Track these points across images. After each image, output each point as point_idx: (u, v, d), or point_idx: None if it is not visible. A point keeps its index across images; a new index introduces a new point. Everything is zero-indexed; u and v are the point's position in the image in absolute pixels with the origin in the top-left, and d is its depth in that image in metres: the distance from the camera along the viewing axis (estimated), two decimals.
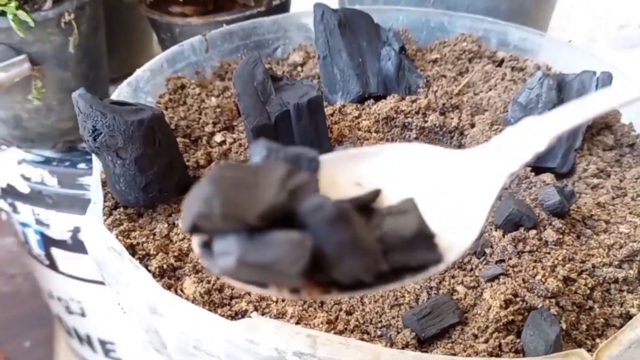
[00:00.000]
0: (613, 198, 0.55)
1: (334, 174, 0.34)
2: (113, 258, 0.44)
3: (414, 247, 0.30)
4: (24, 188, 0.79)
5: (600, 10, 1.70)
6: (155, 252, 0.48)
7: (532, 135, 0.35)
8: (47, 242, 0.87)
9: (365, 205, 0.33)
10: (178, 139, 0.60)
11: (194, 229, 0.27)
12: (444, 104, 0.63)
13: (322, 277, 0.28)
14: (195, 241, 0.29)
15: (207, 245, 0.28)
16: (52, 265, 0.90)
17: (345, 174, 0.35)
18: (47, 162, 0.79)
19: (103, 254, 0.45)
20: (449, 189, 0.35)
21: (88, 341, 1.00)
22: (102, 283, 0.87)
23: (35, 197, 0.79)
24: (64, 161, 0.79)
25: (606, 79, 0.59)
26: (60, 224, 0.81)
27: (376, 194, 0.33)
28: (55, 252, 0.87)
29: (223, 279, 0.35)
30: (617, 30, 1.73)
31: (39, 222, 0.82)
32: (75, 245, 0.84)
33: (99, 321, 0.95)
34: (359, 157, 0.36)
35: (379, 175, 0.35)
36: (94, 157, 0.52)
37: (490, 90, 0.66)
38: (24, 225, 0.88)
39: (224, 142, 0.62)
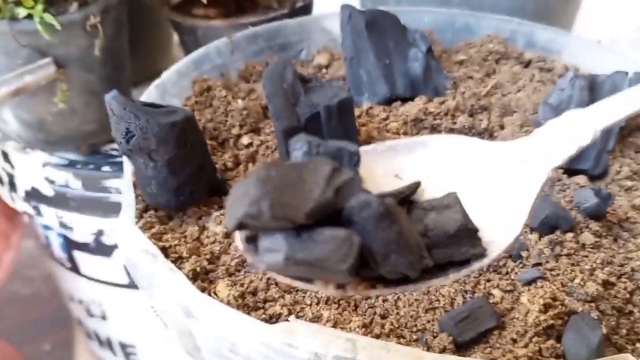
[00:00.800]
0: None
1: (372, 166, 0.35)
2: (147, 261, 0.44)
3: (458, 242, 0.31)
4: (48, 191, 0.79)
5: (621, 10, 1.69)
6: (188, 255, 0.47)
7: (575, 128, 0.34)
8: (70, 245, 0.87)
9: (406, 199, 0.33)
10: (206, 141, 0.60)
11: (240, 227, 0.27)
12: (472, 106, 0.62)
13: (368, 272, 0.28)
14: (239, 236, 0.29)
15: (251, 240, 0.28)
16: (74, 268, 0.90)
17: (384, 165, 0.36)
18: (71, 164, 0.78)
19: (137, 256, 0.45)
20: (491, 183, 0.34)
21: (108, 344, 1.00)
22: (123, 286, 0.87)
23: (59, 200, 0.79)
24: (88, 164, 0.79)
25: (638, 80, 0.58)
26: (83, 227, 0.81)
27: (416, 186, 0.34)
28: (78, 255, 0.87)
29: (269, 274, 0.35)
30: (636, 31, 1.72)
31: (62, 225, 0.82)
32: (98, 248, 0.84)
33: (120, 324, 0.95)
34: (397, 149, 0.36)
35: (418, 167, 0.36)
36: (125, 159, 0.52)
37: (519, 91, 0.66)
38: (46, 228, 0.88)
39: (250, 144, 0.61)
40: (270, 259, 0.27)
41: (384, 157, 0.35)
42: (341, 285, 0.29)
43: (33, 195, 0.81)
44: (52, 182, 0.79)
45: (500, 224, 0.33)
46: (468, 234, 0.31)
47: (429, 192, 0.34)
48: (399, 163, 0.35)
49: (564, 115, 0.35)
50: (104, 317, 0.96)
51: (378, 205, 0.27)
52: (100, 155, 0.81)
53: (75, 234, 0.83)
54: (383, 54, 0.65)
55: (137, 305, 0.90)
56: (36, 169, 0.79)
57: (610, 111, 0.35)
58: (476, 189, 0.34)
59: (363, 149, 0.34)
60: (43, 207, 0.81)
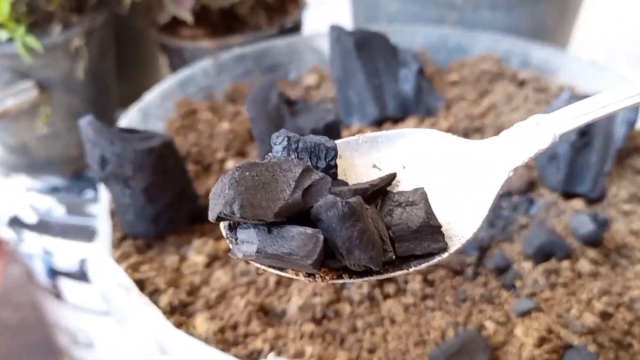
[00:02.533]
0: None
1: (353, 156, 0.37)
2: (121, 294, 0.42)
3: (420, 237, 0.33)
4: (31, 217, 0.77)
5: (619, 27, 1.68)
6: (165, 287, 0.45)
7: (538, 131, 0.35)
8: (54, 272, 0.84)
9: (380, 190, 0.35)
10: (189, 166, 0.58)
11: (219, 220, 0.31)
12: (465, 127, 0.61)
13: (335, 264, 0.31)
14: (222, 225, 0.32)
15: (231, 229, 0.32)
16: (59, 296, 0.88)
17: (364, 156, 0.37)
18: (54, 190, 0.76)
19: (110, 289, 0.42)
20: (458, 179, 0.36)
21: None
22: (109, 314, 0.85)
23: (43, 226, 0.77)
24: (71, 189, 0.77)
25: None
26: (67, 254, 0.79)
27: (391, 178, 0.36)
28: (62, 282, 0.85)
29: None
30: (634, 48, 1.71)
31: (45, 251, 0.79)
32: (83, 275, 0.82)
33: (107, 353, 0.93)
34: (378, 140, 0.38)
35: (396, 158, 0.37)
36: (101, 186, 0.50)
37: (513, 112, 0.64)
38: (30, 254, 0.85)
39: None
40: (245, 249, 0.30)
41: (365, 147, 0.37)
42: (310, 273, 0.31)
43: (16, 221, 0.79)
44: (35, 208, 0.76)
45: (462, 219, 0.35)
46: (430, 230, 0.33)
47: (405, 183, 0.36)
48: (379, 154, 0.37)
49: (530, 118, 0.35)
50: (90, 346, 0.93)
51: (342, 206, 0.29)
52: (84, 180, 0.79)
53: (58, 260, 0.81)
54: (373, 74, 0.64)
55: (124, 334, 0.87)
56: (19, 194, 0.77)
57: (575, 116, 0.35)
58: (445, 183, 0.36)
59: (344, 140, 0.37)
60: (26, 233, 0.79)
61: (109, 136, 0.44)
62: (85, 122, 0.45)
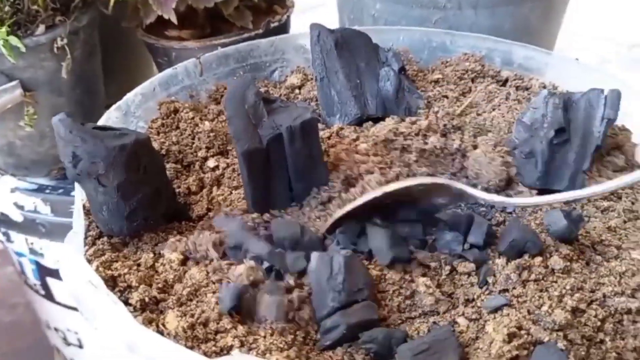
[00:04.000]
0: (625, 222, 0.52)
1: None
2: (90, 292, 0.42)
3: None
4: (17, 216, 0.78)
5: (611, 31, 1.68)
6: (137, 284, 0.45)
7: None
8: (43, 271, 0.85)
9: None
10: (169, 165, 0.58)
11: None
12: (445, 125, 0.60)
13: None
14: None
15: None
16: (49, 296, 0.88)
17: None
18: (40, 189, 0.77)
19: (80, 287, 0.42)
20: None
21: None
22: None
23: (29, 226, 0.78)
24: (57, 189, 0.77)
25: (615, 97, 0.56)
26: (54, 253, 0.79)
27: None
28: (51, 281, 0.85)
29: None
30: (627, 51, 1.71)
31: (32, 251, 0.80)
32: None
33: (97, 353, 0.93)
34: None
35: None
36: (76, 184, 0.50)
37: (494, 110, 0.64)
38: (19, 254, 0.86)
39: (217, 167, 0.60)
40: None
41: None
42: None
43: (2, 221, 0.79)
44: (21, 207, 0.77)
45: None
46: None
47: None
48: None
49: None
50: (80, 346, 0.93)
51: None
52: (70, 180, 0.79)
53: (46, 260, 0.81)
54: (354, 73, 0.64)
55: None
56: (5, 194, 0.77)
57: None
58: None
59: None
60: (13, 234, 0.79)
61: (80, 133, 0.45)
62: (57, 119, 0.45)
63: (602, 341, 0.42)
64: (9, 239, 0.81)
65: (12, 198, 0.77)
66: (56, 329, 0.94)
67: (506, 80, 0.69)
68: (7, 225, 0.79)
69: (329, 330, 0.43)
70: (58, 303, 0.88)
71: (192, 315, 0.43)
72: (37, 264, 0.84)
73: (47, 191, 0.77)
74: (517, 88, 0.67)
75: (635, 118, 0.61)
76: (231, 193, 0.56)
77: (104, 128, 0.48)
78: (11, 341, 1.25)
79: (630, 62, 1.65)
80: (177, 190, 0.56)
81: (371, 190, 0.51)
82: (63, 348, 0.97)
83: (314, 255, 0.45)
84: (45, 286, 0.87)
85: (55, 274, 0.83)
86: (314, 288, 0.45)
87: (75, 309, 0.87)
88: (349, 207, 0.50)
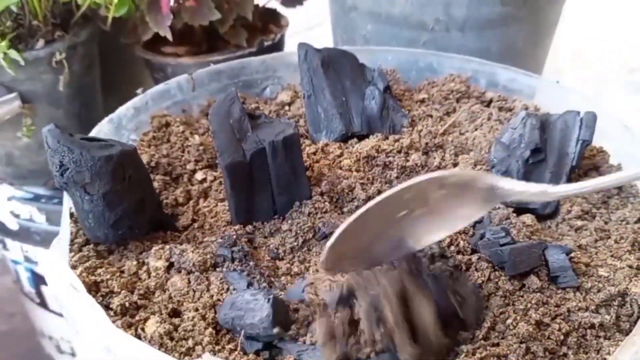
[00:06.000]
0: (596, 240, 0.53)
1: None
2: (71, 295, 0.44)
3: None
4: (13, 225, 0.80)
5: (611, 53, 1.70)
6: (119, 290, 0.47)
7: None
8: (37, 279, 0.86)
9: None
10: (158, 177, 0.60)
11: None
12: (427, 144, 0.62)
13: None
14: None
15: None
16: (43, 303, 0.90)
17: None
18: (36, 199, 0.79)
19: (63, 291, 0.44)
20: None
21: None
22: None
23: (24, 234, 0.79)
24: (52, 198, 0.79)
25: (590, 119, 0.58)
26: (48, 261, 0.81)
27: None
28: (45, 289, 0.87)
29: None
30: (627, 74, 1.72)
31: (27, 259, 0.81)
32: None
33: None
34: None
35: None
36: (64, 193, 0.52)
37: (476, 130, 0.65)
38: (15, 262, 0.88)
39: (204, 179, 0.61)
40: None
41: None
42: None
43: None
44: (17, 215, 0.79)
45: None
46: None
47: None
48: None
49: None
50: (73, 354, 0.95)
51: None
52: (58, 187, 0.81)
53: (40, 268, 0.83)
54: (339, 91, 0.66)
55: None
56: (1, 202, 0.79)
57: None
58: None
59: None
60: (8, 241, 0.81)
61: (67, 143, 0.47)
62: (46, 130, 0.47)
63: (565, 354, 0.43)
64: (5, 247, 0.83)
65: (9, 206, 0.79)
66: (50, 337, 0.95)
67: (490, 101, 0.71)
68: (3, 233, 0.81)
69: None
70: (51, 311, 0.90)
71: (171, 323, 0.45)
72: (32, 272, 0.86)
73: (43, 200, 0.79)
74: (500, 109, 0.69)
75: (613, 140, 0.62)
76: (217, 205, 0.58)
77: (91, 139, 0.50)
78: (7, 349, 1.26)
79: (630, 85, 1.67)
80: (164, 201, 0.58)
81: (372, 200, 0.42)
82: (57, 356, 0.98)
83: None
84: (39, 294, 0.89)
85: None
86: None
87: None
88: (344, 224, 0.41)
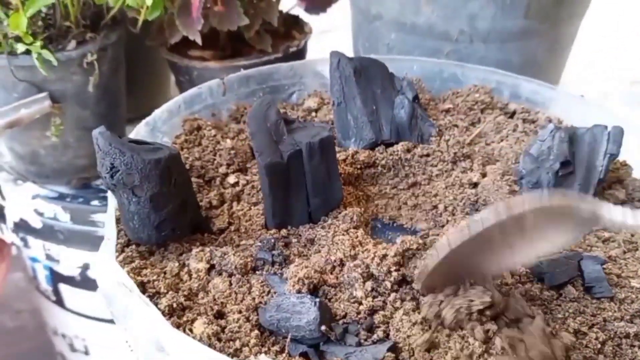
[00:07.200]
0: (624, 252, 0.55)
1: None
2: (123, 294, 0.45)
3: None
4: (36, 223, 0.80)
5: (613, 66, 1.72)
6: (165, 291, 0.48)
7: None
8: (56, 277, 0.87)
9: None
10: (192, 179, 0.61)
11: None
12: (455, 153, 0.64)
13: None
14: None
15: None
16: (59, 302, 0.90)
17: None
18: (60, 197, 0.79)
19: (113, 289, 0.45)
20: None
21: None
22: (107, 321, 0.87)
23: (47, 232, 0.80)
24: (77, 197, 0.80)
25: (618, 134, 0.60)
26: (70, 260, 0.82)
27: None
28: (63, 288, 0.88)
29: None
30: (629, 86, 1.75)
31: (49, 257, 0.82)
32: (84, 282, 0.84)
33: None
34: None
35: None
36: (109, 194, 0.53)
37: (502, 141, 0.67)
38: (33, 260, 0.88)
39: (237, 183, 0.62)
40: None
41: None
42: None
43: (21, 226, 0.82)
44: (41, 214, 0.79)
45: None
46: None
47: None
48: None
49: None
50: (86, 352, 0.95)
51: None
52: (90, 189, 0.82)
53: (61, 266, 0.83)
54: (370, 100, 0.67)
55: (120, 341, 0.90)
56: (26, 200, 0.80)
57: None
58: None
59: None
60: (31, 239, 0.82)
61: (118, 146, 0.47)
62: (97, 132, 0.48)
63: None
64: (26, 244, 0.83)
65: (33, 205, 0.80)
66: (64, 335, 0.96)
67: (514, 113, 0.72)
68: (25, 230, 0.82)
69: None
70: (68, 309, 0.90)
71: (218, 324, 0.46)
72: (51, 270, 0.86)
73: (68, 199, 0.79)
74: (524, 121, 0.70)
75: (636, 155, 0.64)
76: (250, 209, 0.59)
77: (138, 142, 0.51)
78: (14, 345, 1.26)
79: (632, 98, 1.69)
80: (199, 203, 0.59)
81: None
82: (68, 354, 0.99)
83: None
84: (56, 292, 0.89)
85: (68, 280, 0.86)
86: None
87: (85, 316, 0.89)
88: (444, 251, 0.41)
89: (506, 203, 0.39)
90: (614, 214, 0.40)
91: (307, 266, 0.49)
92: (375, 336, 0.45)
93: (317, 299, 0.45)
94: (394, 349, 0.44)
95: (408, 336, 0.44)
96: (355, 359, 0.43)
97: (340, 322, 0.46)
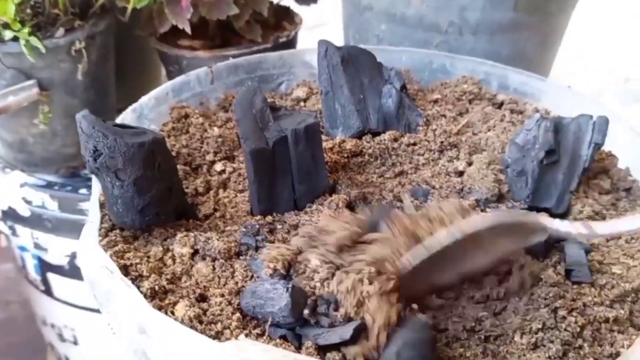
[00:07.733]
0: (607, 240, 0.55)
1: None
2: (105, 277, 0.45)
3: None
4: (24, 211, 0.80)
5: (606, 63, 1.73)
6: (148, 274, 0.48)
7: None
8: (44, 266, 0.87)
9: None
10: (179, 166, 0.61)
11: None
12: (442, 142, 0.64)
13: None
14: None
15: None
16: (48, 291, 0.90)
17: None
18: (48, 186, 0.79)
19: (96, 272, 0.45)
20: None
21: None
22: (96, 310, 0.87)
23: (35, 221, 0.80)
24: (65, 186, 0.79)
25: (603, 123, 0.60)
26: (58, 249, 0.82)
27: None
28: (52, 277, 0.87)
29: None
30: (623, 84, 1.76)
31: (37, 246, 0.82)
32: (72, 271, 0.84)
33: (92, 350, 0.95)
34: None
35: None
36: (93, 178, 0.52)
37: (489, 130, 0.67)
38: (22, 249, 0.88)
39: (223, 171, 0.62)
40: None
41: None
42: None
43: (9, 215, 0.82)
44: (29, 202, 0.79)
45: None
46: None
47: None
48: None
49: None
50: (75, 342, 0.95)
51: None
52: (78, 178, 0.82)
53: (49, 255, 0.83)
54: (358, 89, 0.67)
55: (109, 330, 0.90)
56: (14, 189, 0.80)
57: None
58: None
59: None
60: (19, 228, 0.82)
61: (102, 129, 0.47)
62: (80, 115, 0.48)
63: (580, 346, 0.45)
64: (14, 233, 0.83)
65: (21, 193, 0.80)
66: (52, 325, 0.96)
67: (502, 104, 0.72)
68: (13, 219, 0.82)
69: None
70: (57, 299, 0.90)
71: (200, 307, 0.46)
72: (39, 259, 0.86)
73: (56, 188, 0.79)
74: (511, 111, 0.70)
75: (621, 145, 0.64)
76: (236, 196, 0.59)
77: (122, 126, 0.51)
78: (3, 336, 1.26)
79: (625, 94, 1.70)
80: (185, 190, 0.59)
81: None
82: (58, 344, 0.99)
83: None
84: (45, 281, 0.89)
85: (56, 269, 0.86)
86: None
87: (74, 305, 0.89)
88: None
89: (461, 226, 0.44)
90: (555, 225, 0.47)
91: (278, 247, 0.49)
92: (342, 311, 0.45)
93: (290, 285, 0.45)
94: (361, 328, 0.44)
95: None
96: (323, 340, 0.43)
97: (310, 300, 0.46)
